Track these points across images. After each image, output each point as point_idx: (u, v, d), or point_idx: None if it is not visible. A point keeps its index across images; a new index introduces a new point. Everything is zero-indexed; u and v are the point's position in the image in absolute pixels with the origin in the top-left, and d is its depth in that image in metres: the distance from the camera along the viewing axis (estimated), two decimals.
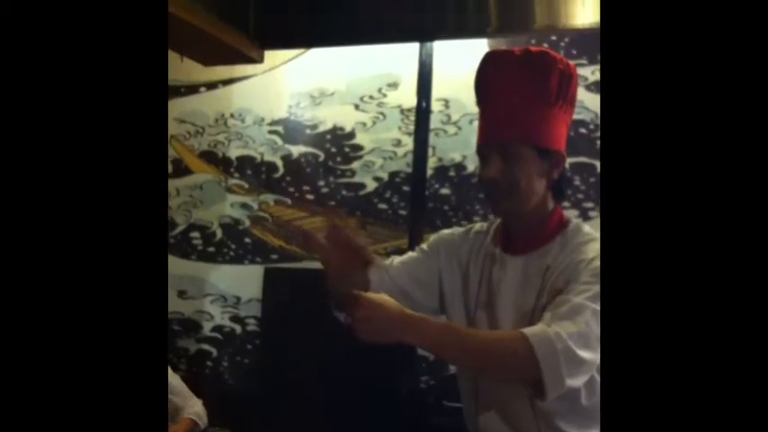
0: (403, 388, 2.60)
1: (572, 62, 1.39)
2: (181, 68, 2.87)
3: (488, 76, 1.40)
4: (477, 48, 2.51)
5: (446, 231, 1.56)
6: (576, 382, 1.22)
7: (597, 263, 1.26)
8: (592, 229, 1.40)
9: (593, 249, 1.30)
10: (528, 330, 1.20)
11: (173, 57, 2.71)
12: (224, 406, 2.68)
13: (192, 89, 3.07)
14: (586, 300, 1.22)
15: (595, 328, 1.19)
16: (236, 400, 2.86)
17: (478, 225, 1.53)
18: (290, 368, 2.72)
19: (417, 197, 2.69)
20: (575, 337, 1.18)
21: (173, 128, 3.07)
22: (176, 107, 3.07)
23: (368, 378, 2.56)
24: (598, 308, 1.19)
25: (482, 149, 1.39)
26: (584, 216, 2.43)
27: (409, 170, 2.73)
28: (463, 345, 1.23)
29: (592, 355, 1.19)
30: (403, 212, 2.75)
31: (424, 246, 1.54)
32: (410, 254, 1.55)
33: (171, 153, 3.07)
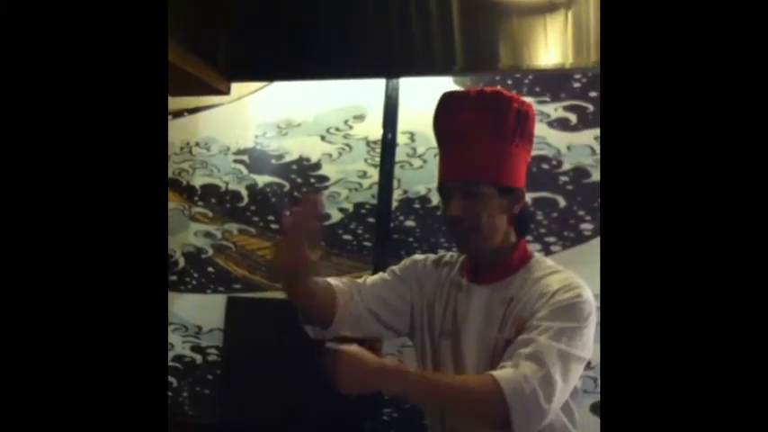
0: (366, 420, 2.59)
1: (534, 99, 1.43)
2: None
3: (446, 118, 1.43)
4: (444, 83, 2.57)
5: (419, 257, 1.57)
6: (539, 427, 1.24)
7: (559, 296, 1.30)
8: (554, 263, 1.44)
9: (556, 281, 1.34)
10: (497, 373, 1.22)
11: None
12: None
13: None
14: (550, 339, 1.24)
15: (559, 370, 1.22)
16: None
17: (448, 255, 1.55)
18: (251, 399, 2.69)
19: (382, 229, 2.70)
20: (540, 380, 1.20)
21: None
22: None
23: (330, 411, 2.54)
24: (562, 347, 1.22)
25: (443, 188, 1.42)
26: (547, 251, 2.47)
27: (374, 202, 2.74)
28: (437, 392, 1.25)
29: (549, 405, 1.21)
30: (368, 244, 2.76)
31: (396, 269, 1.55)
32: (382, 276, 1.55)
33: None
